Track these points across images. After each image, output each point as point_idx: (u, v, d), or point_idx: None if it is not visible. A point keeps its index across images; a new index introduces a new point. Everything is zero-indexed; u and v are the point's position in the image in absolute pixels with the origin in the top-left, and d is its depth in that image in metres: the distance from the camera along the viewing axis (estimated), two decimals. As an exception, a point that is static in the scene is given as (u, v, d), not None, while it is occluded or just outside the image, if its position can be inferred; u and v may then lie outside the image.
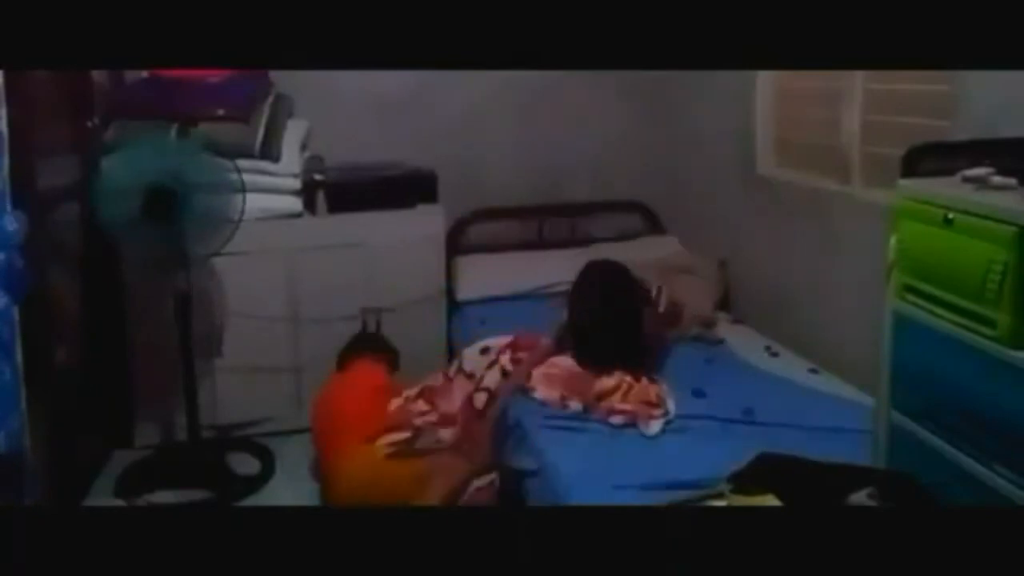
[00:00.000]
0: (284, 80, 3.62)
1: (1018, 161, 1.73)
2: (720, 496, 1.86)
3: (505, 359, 2.93)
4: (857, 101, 2.95)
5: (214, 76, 3.36)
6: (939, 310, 1.74)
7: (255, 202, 3.01)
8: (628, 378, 2.76)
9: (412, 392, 3.04)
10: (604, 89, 4.10)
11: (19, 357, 2.29)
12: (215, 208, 2.88)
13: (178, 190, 2.80)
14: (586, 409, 2.66)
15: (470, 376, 2.97)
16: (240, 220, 2.91)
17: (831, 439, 2.27)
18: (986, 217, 1.61)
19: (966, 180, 1.75)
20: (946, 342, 1.71)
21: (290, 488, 3.06)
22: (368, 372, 3.14)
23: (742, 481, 1.83)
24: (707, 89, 3.83)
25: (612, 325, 2.93)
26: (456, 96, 3.97)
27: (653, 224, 4.30)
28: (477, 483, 2.60)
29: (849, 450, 2.04)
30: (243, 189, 2.90)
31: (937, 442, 1.76)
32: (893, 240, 1.88)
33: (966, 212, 1.66)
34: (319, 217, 3.51)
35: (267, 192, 3.27)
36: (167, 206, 2.79)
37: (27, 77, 2.47)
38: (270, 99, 3.51)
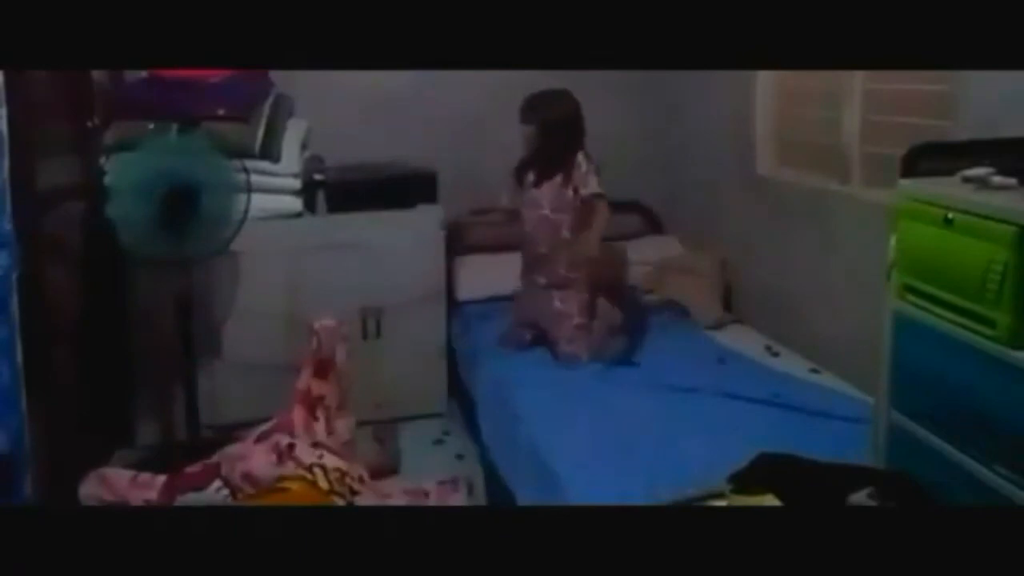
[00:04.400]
0: (284, 80, 3.62)
1: (1018, 161, 1.73)
2: (720, 496, 1.87)
3: None
4: (857, 101, 2.95)
5: (214, 76, 3.35)
6: (939, 310, 1.74)
7: (255, 202, 3.01)
8: None
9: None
10: (604, 89, 4.09)
11: (19, 357, 2.29)
12: (224, 207, 2.89)
13: (196, 190, 2.81)
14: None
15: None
16: (245, 219, 2.92)
17: (858, 429, 2.26)
18: (986, 217, 1.61)
19: (966, 180, 1.75)
20: (946, 342, 1.71)
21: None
22: None
23: (742, 481, 1.84)
24: (707, 89, 3.83)
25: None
26: (456, 96, 3.97)
27: (653, 224, 4.30)
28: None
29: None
30: (249, 189, 2.92)
31: (937, 442, 1.76)
32: (893, 240, 1.88)
33: (966, 212, 1.66)
34: (319, 217, 3.51)
35: (267, 192, 3.26)
36: (184, 206, 2.80)
37: (27, 77, 2.47)
38: (270, 99, 3.50)
